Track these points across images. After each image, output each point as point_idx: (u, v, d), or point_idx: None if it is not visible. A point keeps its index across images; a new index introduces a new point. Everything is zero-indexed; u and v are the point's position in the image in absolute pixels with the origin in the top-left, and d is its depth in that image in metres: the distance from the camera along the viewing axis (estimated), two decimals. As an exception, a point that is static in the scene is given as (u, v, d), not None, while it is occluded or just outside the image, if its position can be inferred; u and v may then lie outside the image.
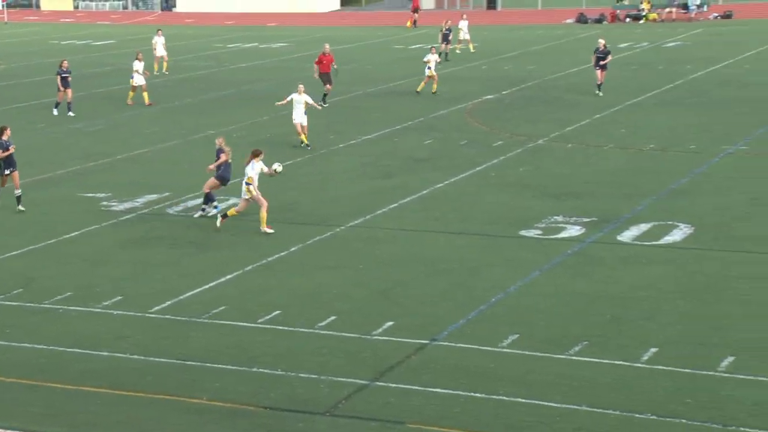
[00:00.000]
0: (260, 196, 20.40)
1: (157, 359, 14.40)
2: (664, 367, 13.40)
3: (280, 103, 29.34)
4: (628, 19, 62.29)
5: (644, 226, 19.87)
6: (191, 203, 22.96)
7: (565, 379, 13.22)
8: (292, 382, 13.49)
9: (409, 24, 64.71)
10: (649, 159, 25.79)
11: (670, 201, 21.72)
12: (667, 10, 61.78)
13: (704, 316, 15.15)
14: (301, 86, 28.55)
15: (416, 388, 13.16)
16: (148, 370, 13.98)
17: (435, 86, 37.02)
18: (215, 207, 21.80)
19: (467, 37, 49.18)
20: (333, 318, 15.77)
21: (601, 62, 34.61)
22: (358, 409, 12.63)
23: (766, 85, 35.59)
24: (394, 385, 13.29)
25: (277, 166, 21.19)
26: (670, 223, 20.01)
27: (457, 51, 48.60)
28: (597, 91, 34.78)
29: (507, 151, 27.42)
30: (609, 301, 16.05)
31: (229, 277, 17.93)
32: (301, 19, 73.58)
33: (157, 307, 16.49)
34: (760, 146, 26.28)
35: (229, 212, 20.82)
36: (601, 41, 35.19)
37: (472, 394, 12.90)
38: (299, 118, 28.16)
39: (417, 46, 54.67)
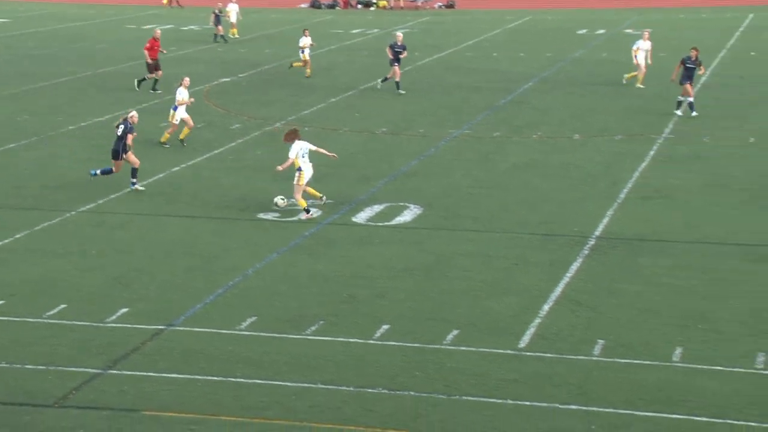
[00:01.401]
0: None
1: None
2: (395, 343, 13.98)
3: (179, 102, 25.56)
4: (359, 6, 63.88)
5: (377, 208, 20.56)
6: None
7: (301, 358, 13.50)
8: (17, 374, 12.92)
9: (165, 1, 62.72)
10: (382, 142, 26.67)
11: (401, 183, 22.58)
12: (396, -2, 63.88)
13: (432, 293, 15.92)
14: (186, 79, 26.14)
15: (152, 374, 12.99)
16: None
17: (308, 71, 36.41)
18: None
19: (234, 20, 48.26)
20: (63, 306, 15.23)
21: (400, 56, 32.99)
22: (89, 399, 12.30)
23: (487, 72, 37.59)
24: (128, 372, 13.05)
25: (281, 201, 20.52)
26: (401, 204, 20.81)
27: (226, 38, 47.20)
28: (399, 89, 32.88)
29: (245, 134, 27.45)
30: (344, 280, 16.50)
31: (-52, 267, 16.87)
32: (26, -5, 69.72)
33: None
34: (482, 130, 27.82)
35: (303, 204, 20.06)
36: (399, 35, 34.11)
37: (210, 377, 12.91)
38: (183, 114, 25.58)
39: (150, 26, 53.44)
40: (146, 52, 33.90)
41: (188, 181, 22.50)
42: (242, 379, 12.85)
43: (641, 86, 33.28)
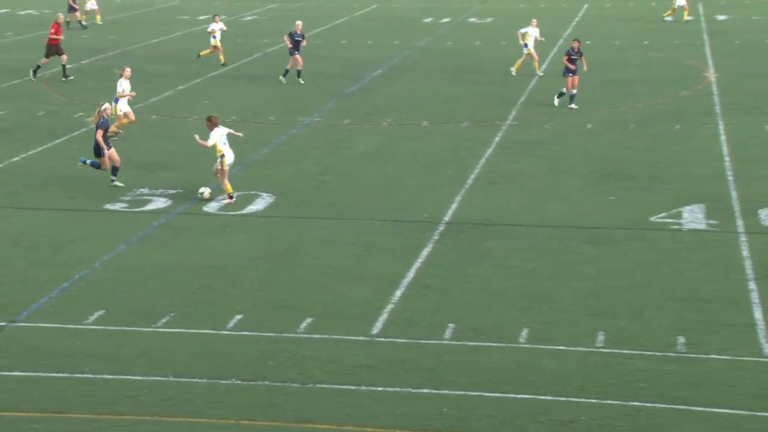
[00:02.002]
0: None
1: None
2: (249, 332, 13.93)
3: (127, 95, 24.81)
4: (208, -9, 62.85)
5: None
6: None
7: (152, 351, 13.29)
8: None
9: None
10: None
11: (252, 171, 22.43)
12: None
13: (285, 281, 15.92)
14: (128, 70, 25.14)
15: (-6, 373, 12.54)
16: None
17: (222, 57, 35.29)
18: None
19: (95, 7, 46.57)
20: None
21: (300, 45, 32.06)
22: (-73, 402, 11.78)
23: (336, 60, 37.62)
24: (-32, 372, 12.56)
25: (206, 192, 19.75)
26: (253, 192, 20.68)
27: (83, 23, 45.73)
28: (299, 78, 32.17)
29: (89, 122, 26.68)
30: (196, 271, 16.32)
31: None
32: None
33: None
34: (332, 117, 27.94)
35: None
36: (299, 23, 33.21)
37: (55, 374, 12.55)
38: (125, 107, 24.76)
39: (-14, 9, 51.26)
40: (52, 36, 32.56)
41: (31, 172, 21.75)
42: (90, 375, 12.56)
43: (540, 74, 33.39)
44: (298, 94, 31.13)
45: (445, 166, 22.93)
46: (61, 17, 33.82)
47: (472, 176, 22.00)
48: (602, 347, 13.43)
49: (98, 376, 12.52)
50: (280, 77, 32.58)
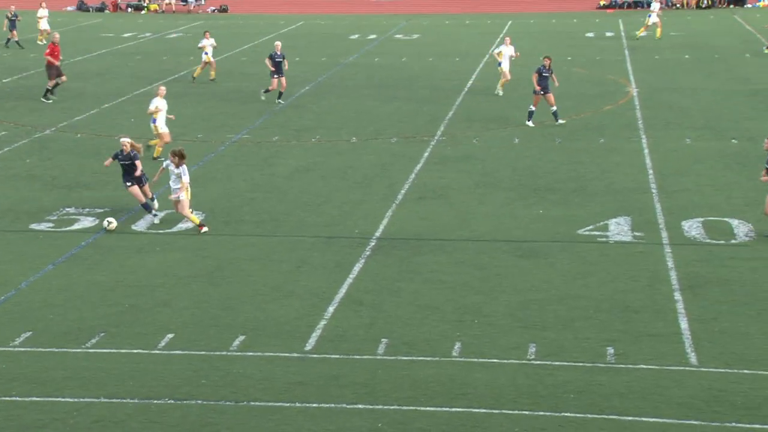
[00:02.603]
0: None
1: None
2: (180, 352, 13.81)
3: (150, 112, 24.20)
4: (129, 9, 62.46)
5: (158, 215, 20.15)
6: None
7: (82, 372, 13.09)
8: None
9: None
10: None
11: (180, 189, 22.22)
12: (167, 1, 62.87)
13: (216, 299, 15.82)
14: (163, 88, 24.47)
15: None
16: None
17: (213, 73, 35.33)
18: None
19: (47, 27, 45.62)
20: None
21: (282, 67, 31.63)
22: None
23: (263, 77, 37.31)
24: None
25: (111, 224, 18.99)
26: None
27: (43, 41, 44.82)
28: (278, 99, 31.92)
29: (12, 141, 26.27)
30: (125, 290, 16.12)
31: None
32: None
33: None
34: (261, 134, 27.87)
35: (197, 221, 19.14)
36: (278, 44, 32.65)
37: (-17, 398, 12.30)
38: (164, 126, 24.12)
39: None
40: (48, 57, 31.82)
41: (-49, 192, 21.28)
42: (18, 398, 12.33)
43: (500, 92, 33.40)
44: (226, 112, 30.98)
45: (375, 182, 23.03)
46: (58, 37, 33.26)
47: (402, 192, 22.13)
48: (533, 359, 13.61)
49: (27, 399, 12.29)
50: (261, 92, 32.46)
